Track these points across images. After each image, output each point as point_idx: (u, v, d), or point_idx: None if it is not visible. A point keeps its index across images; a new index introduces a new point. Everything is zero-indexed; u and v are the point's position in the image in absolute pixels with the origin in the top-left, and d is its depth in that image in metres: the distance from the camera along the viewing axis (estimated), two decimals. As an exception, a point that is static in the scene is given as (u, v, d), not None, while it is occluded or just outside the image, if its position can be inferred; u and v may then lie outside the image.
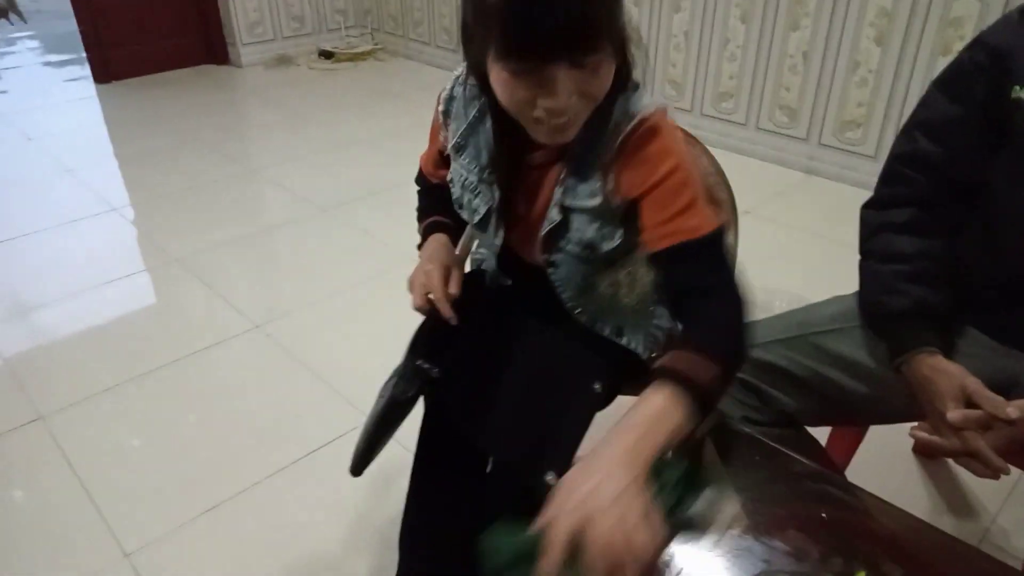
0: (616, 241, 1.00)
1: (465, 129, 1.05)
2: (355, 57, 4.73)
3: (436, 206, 1.19)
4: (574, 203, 0.98)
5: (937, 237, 1.09)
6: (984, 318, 1.09)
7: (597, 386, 1.07)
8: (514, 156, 1.02)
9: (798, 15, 2.93)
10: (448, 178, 1.12)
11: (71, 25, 4.22)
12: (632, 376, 1.24)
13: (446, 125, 1.09)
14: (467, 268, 1.26)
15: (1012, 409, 0.91)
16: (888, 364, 1.06)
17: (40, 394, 1.89)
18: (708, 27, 3.22)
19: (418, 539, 1.16)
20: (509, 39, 0.79)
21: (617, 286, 1.12)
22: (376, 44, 4.93)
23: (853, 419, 1.23)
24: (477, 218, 1.08)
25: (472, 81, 0.99)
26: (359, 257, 2.53)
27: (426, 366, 1.04)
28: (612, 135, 0.93)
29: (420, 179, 1.26)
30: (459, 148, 1.07)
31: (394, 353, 1.11)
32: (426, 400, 1.15)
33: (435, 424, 1.15)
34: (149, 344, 2.09)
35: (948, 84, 1.10)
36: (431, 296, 1.05)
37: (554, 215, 1.00)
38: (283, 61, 4.73)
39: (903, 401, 1.05)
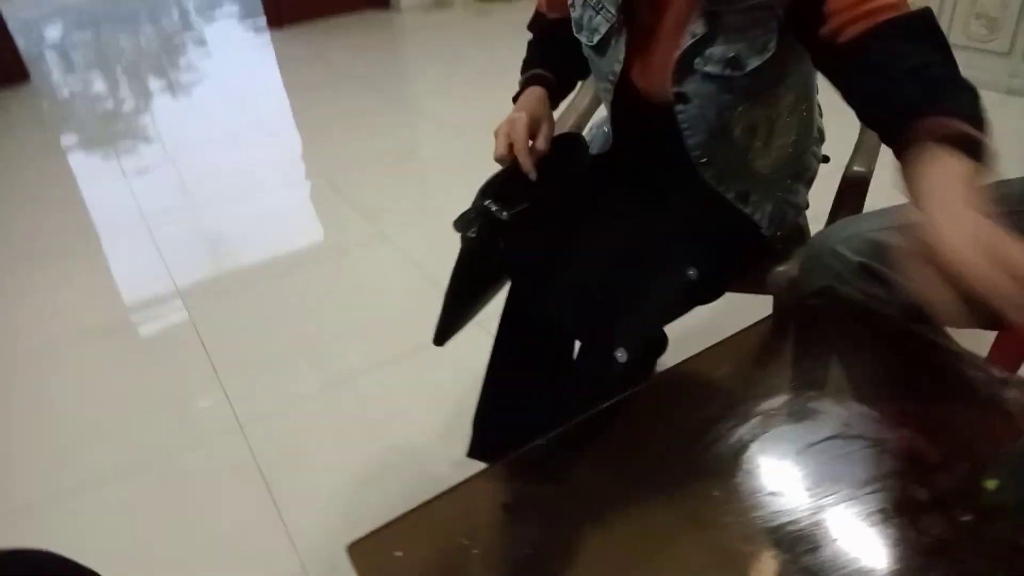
0: (767, 53, 0.87)
1: None
2: (510, -4, 4.69)
3: (544, 59, 1.10)
4: (724, 6, 0.86)
5: None
6: None
7: (692, 272, 0.95)
8: None
9: (1007, -97, 2.49)
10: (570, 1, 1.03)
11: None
12: (746, 261, 1.10)
13: None
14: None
15: None
16: None
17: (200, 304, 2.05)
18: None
19: (489, 423, 1.10)
20: None
21: (753, 135, 0.99)
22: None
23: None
24: (597, 38, 0.99)
25: None
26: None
27: (494, 208, 0.96)
28: None
29: (534, 24, 1.17)
30: None
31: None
32: (511, 278, 1.09)
33: (518, 304, 1.08)
34: (294, 256, 2.20)
35: None
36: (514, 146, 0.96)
37: (698, 28, 0.88)
38: (441, 4, 4.79)
39: None
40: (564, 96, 1.16)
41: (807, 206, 1.14)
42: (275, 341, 1.79)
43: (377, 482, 1.37)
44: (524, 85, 1.09)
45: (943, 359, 0.75)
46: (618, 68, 0.99)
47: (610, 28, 0.96)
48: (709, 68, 0.90)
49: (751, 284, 1.13)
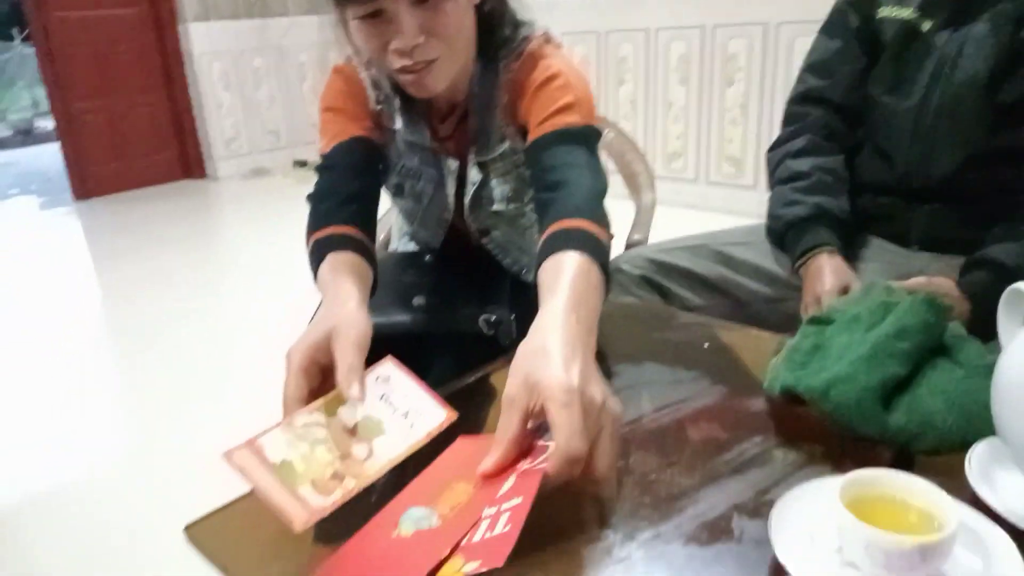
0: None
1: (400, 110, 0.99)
2: (328, 164, 4.93)
3: (341, 211, 0.95)
4: (488, 156, 0.96)
5: (832, 155, 1.13)
6: (883, 225, 1.13)
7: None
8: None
9: (732, 71, 3.12)
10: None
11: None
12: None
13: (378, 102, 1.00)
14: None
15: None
16: (792, 271, 1.08)
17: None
18: (652, 94, 3.40)
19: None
20: None
21: None
22: (349, 153, 5.14)
23: (756, 320, 1.20)
24: (426, 200, 1.03)
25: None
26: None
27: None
28: (505, 80, 0.93)
29: (329, 159, 1.04)
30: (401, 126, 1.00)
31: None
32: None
33: None
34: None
35: (827, 26, 1.20)
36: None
37: (474, 175, 0.98)
38: (259, 172, 4.93)
39: (800, 303, 1.05)
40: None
41: None
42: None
43: None
44: (325, 250, 0.88)
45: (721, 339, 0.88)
46: (448, 216, 1.04)
47: (435, 185, 1.02)
48: (496, 207, 1.00)
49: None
